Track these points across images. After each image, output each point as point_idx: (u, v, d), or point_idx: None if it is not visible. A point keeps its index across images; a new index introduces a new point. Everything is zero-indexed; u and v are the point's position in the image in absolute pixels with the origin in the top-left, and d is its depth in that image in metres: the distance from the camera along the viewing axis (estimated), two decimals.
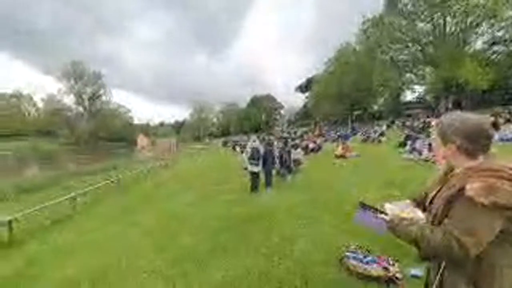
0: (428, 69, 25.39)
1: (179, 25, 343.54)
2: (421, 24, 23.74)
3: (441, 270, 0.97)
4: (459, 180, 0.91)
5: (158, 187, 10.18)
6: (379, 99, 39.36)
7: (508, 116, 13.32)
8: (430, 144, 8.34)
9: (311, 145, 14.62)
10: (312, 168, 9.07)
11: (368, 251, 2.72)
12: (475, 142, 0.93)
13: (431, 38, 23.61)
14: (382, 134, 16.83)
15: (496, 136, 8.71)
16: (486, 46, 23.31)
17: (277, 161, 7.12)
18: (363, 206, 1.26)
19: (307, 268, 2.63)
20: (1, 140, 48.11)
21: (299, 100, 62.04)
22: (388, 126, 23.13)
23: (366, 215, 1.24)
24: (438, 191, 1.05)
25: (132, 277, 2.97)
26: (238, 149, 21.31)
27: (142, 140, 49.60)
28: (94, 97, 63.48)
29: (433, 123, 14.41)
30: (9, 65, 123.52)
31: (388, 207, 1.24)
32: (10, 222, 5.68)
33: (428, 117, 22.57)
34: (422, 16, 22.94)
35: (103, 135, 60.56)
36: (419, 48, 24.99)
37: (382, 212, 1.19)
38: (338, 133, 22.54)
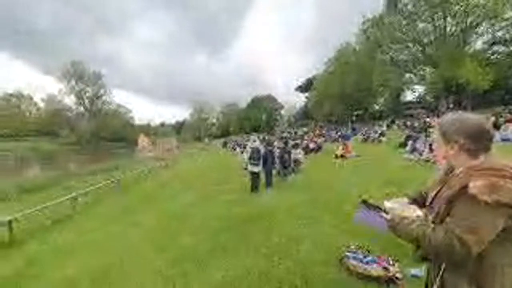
0: (428, 69, 25.35)
1: (179, 25, 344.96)
2: (421, 24, 23.71)
3: (441, 270, 0.97)
4: (461, 179, 0.91)
5: (158, 187, 10.19)
6: (379, 99, 39.36)
7: (508, 116, 13.28)
8: (430, 144, 8.32)
9: (311, 145, 14.61)
10: (312, 168, 9.07)
11: (368, 251, 2.71)
12: (478, 142, 0.93)
13: (431, 38, 23.60)
14: (382, 134, 16.77)
15: (497, 136, 8.71)
16: (486, 46, 23.27)
17: (278, 161, 7.12)
18: (365, 204, 1.24)
19: (307, 268, 2.62)
20: (2, 140, 48.07)
21: (299, 100, 62.25)
22: (388, 126, 23.03)
23: (368, 214, 1.22)
24: (439, 191, 1.04)
25: (132, 277, 2.97)
26: (238, 149, 21.29)
27: (142, 140, 49.53)
28: (94, 97, 63.59)
29: (433, 123, 14.39)
30: (9, 65, 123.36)
31: (387, 205, 1.22)
32: (10, 222, 5.71)
33: (428, 117, 22.45)
34: (423, 16, 22.91)
35: (104, 135, 60.55)
36: (420, 48, 24.97)
37: (383, 211, 1.18)
38: (338, 133, 22.49)
